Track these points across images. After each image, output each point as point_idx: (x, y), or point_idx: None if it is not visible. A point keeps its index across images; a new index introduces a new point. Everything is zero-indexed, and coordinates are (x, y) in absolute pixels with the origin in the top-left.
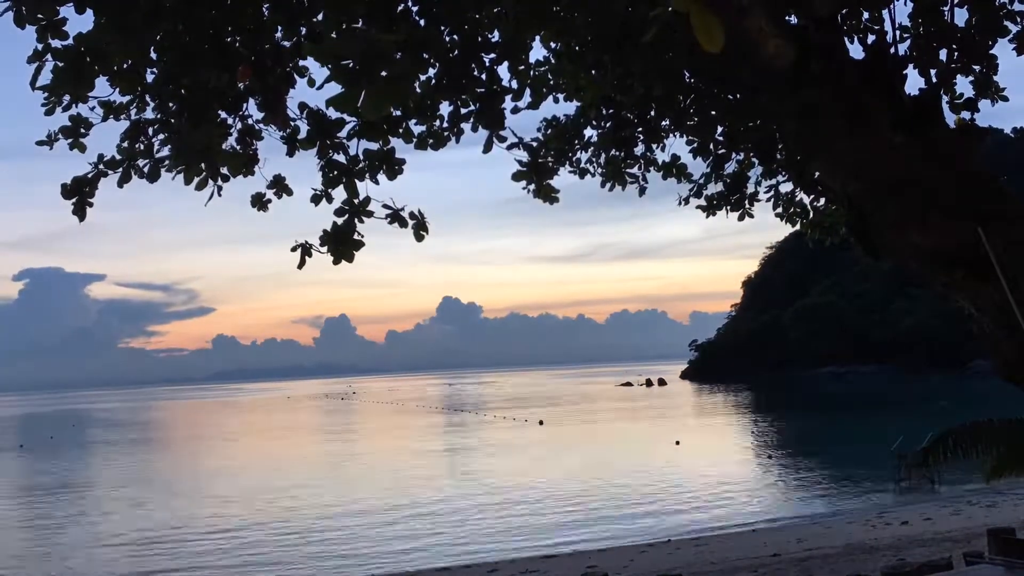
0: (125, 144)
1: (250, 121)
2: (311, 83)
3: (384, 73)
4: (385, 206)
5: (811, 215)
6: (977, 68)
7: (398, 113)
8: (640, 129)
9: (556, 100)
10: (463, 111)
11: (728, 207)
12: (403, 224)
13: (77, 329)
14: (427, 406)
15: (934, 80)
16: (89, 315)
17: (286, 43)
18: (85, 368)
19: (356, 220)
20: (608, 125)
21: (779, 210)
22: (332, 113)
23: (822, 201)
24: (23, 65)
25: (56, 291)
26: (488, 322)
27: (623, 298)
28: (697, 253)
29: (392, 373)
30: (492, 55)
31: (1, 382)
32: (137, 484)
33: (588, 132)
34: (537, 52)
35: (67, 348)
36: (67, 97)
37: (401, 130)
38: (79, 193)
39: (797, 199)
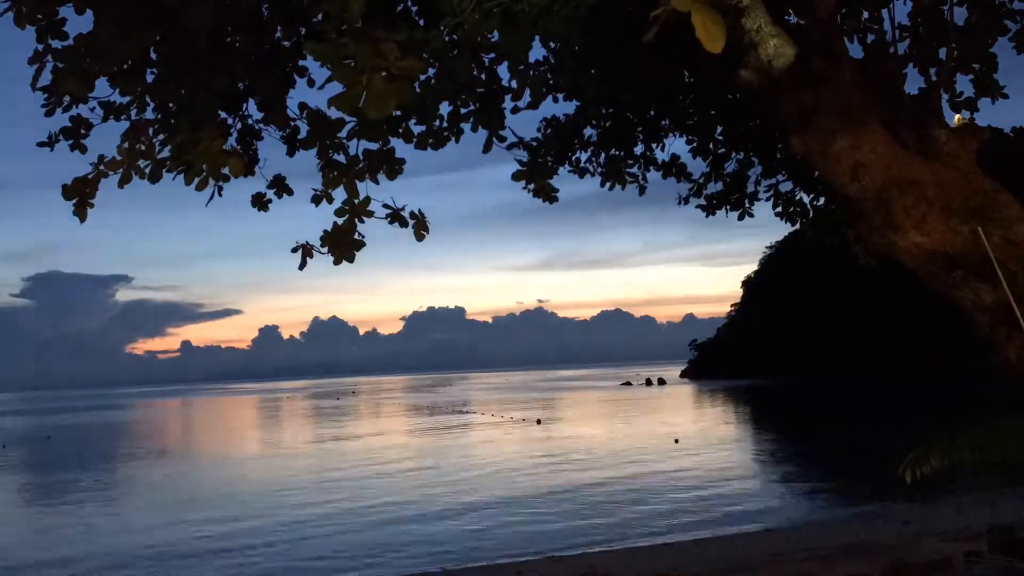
0: (125, 145)
1: (250, 121)
2: (311, 83)
3: (384, 73)
4: (385, 206)
5: (811, 214)
6: (977, 67)
7: (398, 113)
8: (640, 128)
9: (556, 100)
10: (463, 111)
11: (728, 206)
12: (403, 224)
13: (96, 329)
14: (423, 405)
15: (934, 79)
16: (107, 317)
17: (286, 43)
18: (106, 366)
19: (356, 220)
20: (608, 124)
21: (779, 209)
22: (333, 113)
23: (822, 200)
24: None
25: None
26: (475, 324)
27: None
28: (641, 263)
29: (387, 373)
30: (491, 55)
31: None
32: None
33: (588, 131)
34: (537, 52)
35: (81, 347)
36: (67, 98)
37: (401, 130)
38: (80, 194)
39: (797, 198)
